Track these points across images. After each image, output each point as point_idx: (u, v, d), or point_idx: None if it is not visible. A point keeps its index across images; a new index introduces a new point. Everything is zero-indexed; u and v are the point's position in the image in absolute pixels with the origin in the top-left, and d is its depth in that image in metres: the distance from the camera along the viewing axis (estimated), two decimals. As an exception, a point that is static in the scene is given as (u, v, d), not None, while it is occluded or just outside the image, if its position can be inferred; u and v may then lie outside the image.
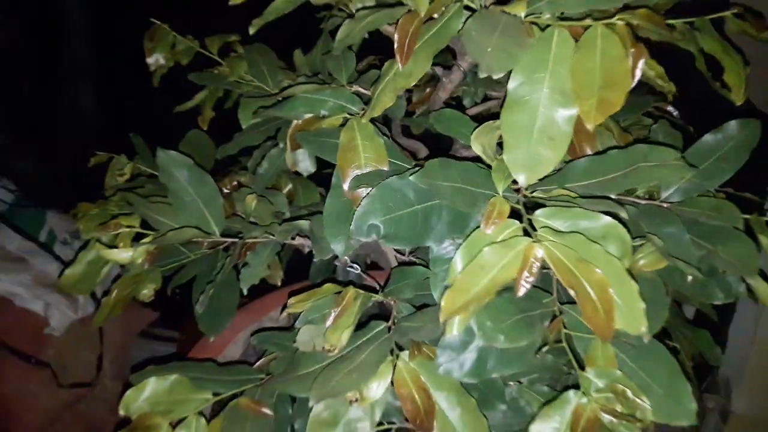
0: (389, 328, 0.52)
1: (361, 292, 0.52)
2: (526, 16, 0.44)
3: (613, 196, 0.47)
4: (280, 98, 0.59)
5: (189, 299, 0.62)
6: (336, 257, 0.55)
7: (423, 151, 0.68)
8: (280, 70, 0.70)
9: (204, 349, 0.72)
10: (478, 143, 0.47)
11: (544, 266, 0.39)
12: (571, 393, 0.42)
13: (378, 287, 0.56)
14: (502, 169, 0.45)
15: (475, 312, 0.43)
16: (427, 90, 0.71)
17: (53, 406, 1.36)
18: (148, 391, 0.54)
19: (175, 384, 0.55)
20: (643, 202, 0.52)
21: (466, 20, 0.43)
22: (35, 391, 1.32)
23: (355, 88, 0.58)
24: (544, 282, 0.48)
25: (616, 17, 0.42)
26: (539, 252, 0.39)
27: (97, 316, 0.64)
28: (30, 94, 1.29)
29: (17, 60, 1.24)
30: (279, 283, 0.66)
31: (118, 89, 1.09)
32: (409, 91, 0.70)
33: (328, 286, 0.53)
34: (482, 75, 0.39)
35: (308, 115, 0.56)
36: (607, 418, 0.39)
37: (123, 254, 0.53)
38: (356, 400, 0.47)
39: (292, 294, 0.55)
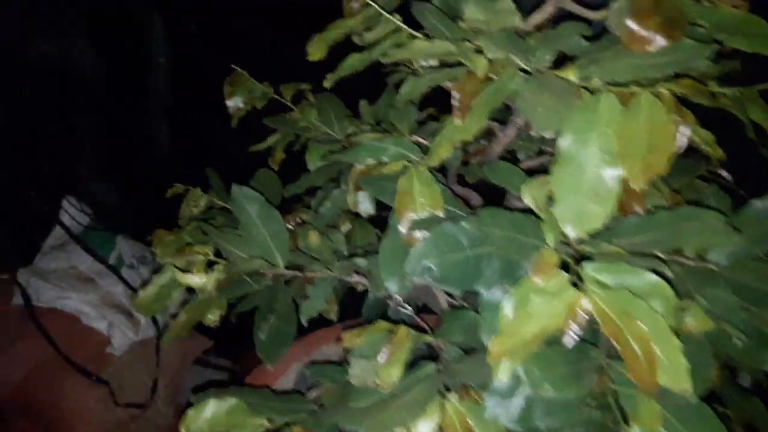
0: (438, 370, 0.54)
1: (413, 332, 0.55)
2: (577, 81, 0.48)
3: (660, 255, 0.49)
4: (346, 145, 0.64)
5: (244, 330, 0.66)
6: (389, 297, 0.58)
7: (476, 199, 0.71)
8: (347, 118, 0.75)
9: (259, 377, 0.77)
10: (529, 195, 0.50)
11: (591, 320, 0.42)
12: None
13: (428, 329, 0.59)
14: (552, 221, 0.48)
15: (523, 359, 0.45)
16: (483, 143, 0.75)
17: (108, 423, 1.42)
18: (208, 413, 0.58)
19: (234, 408, 0.59)
20: (691, 263, 0.54)
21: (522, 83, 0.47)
22: (92, 407, 1.39)
23: (415, 138, 0.62)
24: (594, 337, 0.50)
25: (661, 86, 0.45)
26: (585, 303, 0.41)
27: (166, 336, 0.69)
28: (112, 124, 1.40)
29: (102, 90, 1.35)
30: (334, 318, 0.70)
31: (196, 127, 1.18)
32: (465, 143, 0.74)
33: (381, 323, 0.56)
34: (534, 133, 0.43)
35: (371, 161, 0.61)
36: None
37: (197, 279, 0.59)
38: (404, 436, 0.49)
39: (344, 330, 0.59)
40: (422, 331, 0.58)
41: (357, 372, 0.56)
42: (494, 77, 0.50)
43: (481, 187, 0.76)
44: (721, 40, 0.51)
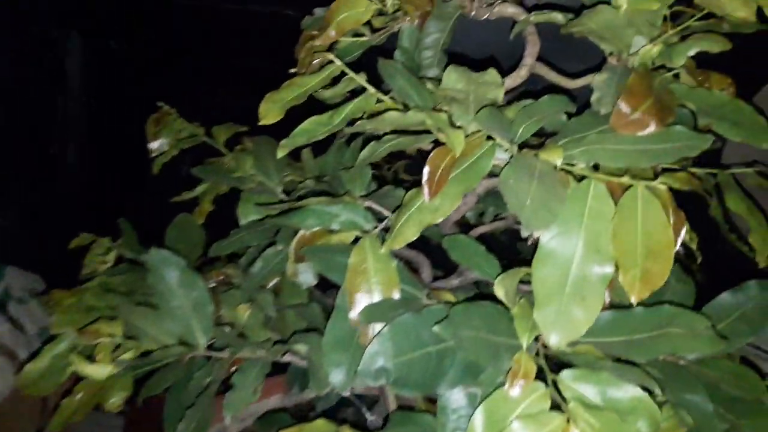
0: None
1: (357, 433, 0.48)
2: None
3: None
4: (287, 204, 0.56)
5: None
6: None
7: (425, 265, 0.65)
8: (287, 166, 0.67)
9: None
10: (502, 288, 0.44)
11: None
12: None
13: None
14: (526, 317, 0.43)
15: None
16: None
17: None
18: None
19: None
20: (661, 357, 0.50)
21: (504, 167, 0.41)
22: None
23: (369, 203, 0.55)
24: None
25: (659, 180, 0.40)
26: (573, 432, 0.36)
27: (55, 419, 0.57)
28: (7, 147, 1.24)
29: (9, 117, 1.20)
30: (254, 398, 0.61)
31: (113, 158, 1.05)
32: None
33: (320, 423, 0.48)
34: (525, 233, 0.37)
35: (317, 228, 0.53)
36: None
37: (102, 370, 0.48)
38: None
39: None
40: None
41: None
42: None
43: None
44: (707, 125, 0.48)
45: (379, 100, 0.45)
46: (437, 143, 0.46)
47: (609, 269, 0.39)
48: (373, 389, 0.65)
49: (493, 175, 0.45)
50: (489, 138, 0.44)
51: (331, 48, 0.51)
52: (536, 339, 0.44)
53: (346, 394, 0.53)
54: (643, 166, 0.44)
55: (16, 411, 1.29)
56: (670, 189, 0.42)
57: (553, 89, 0.51)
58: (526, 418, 0.37)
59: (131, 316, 0.52)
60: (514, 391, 0.39)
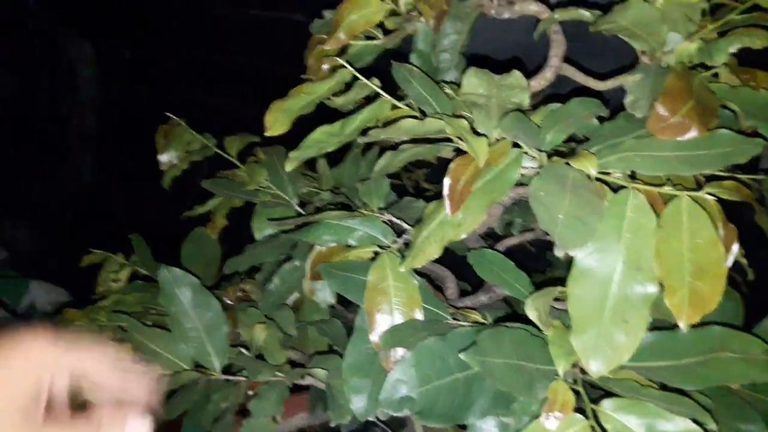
0: None
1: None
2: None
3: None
4: (303, 218, 0.53)
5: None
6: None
7: (450, 280, 0.62)
8: (302, 177, 0.65)
9: None
10: (534, 309, 0.41)
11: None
12: None
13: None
14: (562, 341, 0.39)
15: None
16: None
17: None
18: None
19: None
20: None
21: (533, 177, 0.38)
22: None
23: (387, 216, 0.52)
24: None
25: (705, 190, 0.37)
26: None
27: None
28: (32, 165, 1.23)
29: (23, 129, 1.19)
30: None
31: (128, 173, 1.03)
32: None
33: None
34: (558, 252, 0.33)
35: (333, 243, 0.51)
36: None
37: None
38: None
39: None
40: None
41: None
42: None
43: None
44: (752, 127, 0.44)
45: (394, 107, 0.42)
46: (459, 152, 0.43)
47: (653, 289, 0.36)
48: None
49: (520, 183, 0.42)
50: (515, 146, 0.41)
51: (342, 52, 0.49)
52: (574, 364, 0.41)
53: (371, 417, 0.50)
54: (685, 175, 0.40)
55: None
56: (718, 199, 0.39)
57: (582, 92, 0.47)
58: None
59: (143, 338, 0.49)
60: (551, 423, 0.36)
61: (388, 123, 0.41)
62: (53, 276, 1.34)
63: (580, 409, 0.37)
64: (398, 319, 0.46)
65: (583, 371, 0.39)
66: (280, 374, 0.50)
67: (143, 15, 1.04)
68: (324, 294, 0.55)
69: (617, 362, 0.36)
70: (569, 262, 0.37)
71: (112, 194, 1.17)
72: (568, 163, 0.40)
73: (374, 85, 0.42)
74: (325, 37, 0.46)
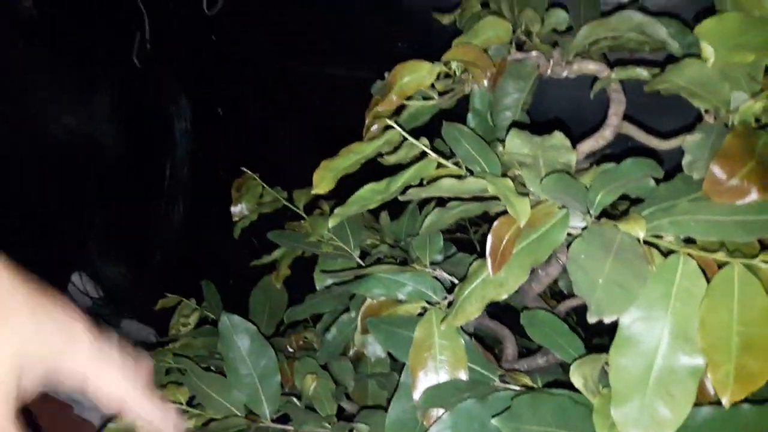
0: None
1: None
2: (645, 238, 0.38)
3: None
4: (358, 270, 0.55)
5: None
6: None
7: (509, 339, 0.61)
8: (365, 230, 0.66)
9: None
10: (580, 375, 0.40)
11: None
12: None
13: None
14: (607, 413, 0.37)
15: None
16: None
17: None
18: None
19: None
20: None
21: (574, 237, 0.37)
22: (75, 505, 1.27)
23: (438, 272, 0.52)
24: None
25: (760, 257, 0.34)
26: None
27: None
28: (127, 205, 1.34)
29: (121, 171, 1.31)
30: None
31: (211, 224, 1.11)
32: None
33: None
34: (591, 319, 0.32)
35: (383, 297, 0.51)
36: None
37: (160, 438, 0.48)
38: None
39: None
40: None
41: None
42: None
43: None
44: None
45: (440, 165, 0.43)
46: (505, 211, 0.43)
47: (701, 361, 0.34)
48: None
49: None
50: (563, 206, 0.40)
51: (398, 112, 0.50)
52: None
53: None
54: (742, 241, 0.38)
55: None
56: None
57: (643, 151, 0.46)
58: None
59: (199, 382, 0.52)
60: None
61: (431, 181, 0.42)
62: (143, 315, 1.43)
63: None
64: (442, 377, 0.45)
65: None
66: (327, 425, 0.51)
67: (234, 73, 1.13)
68: (375, 348, 0.55)
69: (661, 438, 0.34)
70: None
71: (198, 242, 1.25)
72: (616, 226, 0.39)
73: (422, 144, 0.43)
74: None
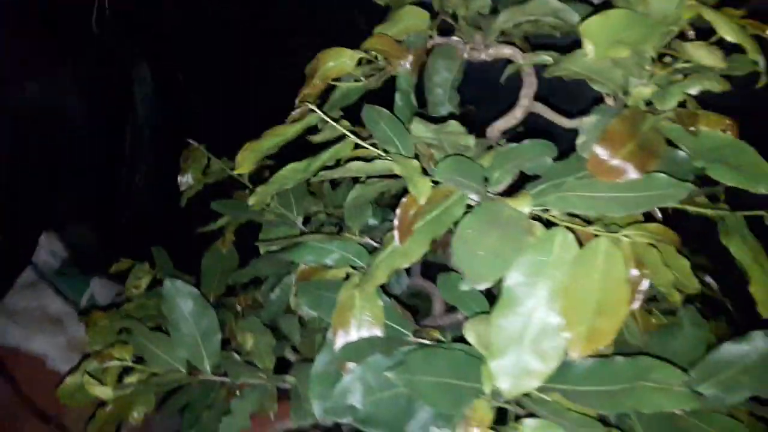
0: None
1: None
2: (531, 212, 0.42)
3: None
4: (295, 239, 0.59)
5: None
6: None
7: (437, 297, 0.66)
8: (308, 198, 0.70)
9: None
10: (473, 332, 0.45)
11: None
12: None
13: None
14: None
15: None
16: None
17: (64, 471, 1.36)
18: None
19: None
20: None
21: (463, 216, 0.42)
22: (49, 455, 1.33)
23: (365, 239, 0.57)
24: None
25: (623, 232, 0.39)
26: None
27: (91, 426, 0.63)
28: (93, 167, 1.37)
29: (85, 132, 1.33)
30: (272, 418, 0.64)
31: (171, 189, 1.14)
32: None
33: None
34: (464, 287, 0.37)
35: (314, 263, 0.56)
36: None
37: (105, 391, 0.53)
38: None
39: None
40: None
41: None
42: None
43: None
44: (701, 168, 0.46)
45: (358, 146, 0.47)
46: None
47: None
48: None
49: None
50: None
51: (327, 93, 0.54)
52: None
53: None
54: (618, 215, 0.42)
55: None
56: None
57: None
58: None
59: (144, 340, 0.56)
60: (467, 436, 0.40)
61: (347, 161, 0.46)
62: (111, 275, 1.46)
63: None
64: (364, 334, 0.50)
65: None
66: (262, 376, 0.56)
67: (194, 40, 1.14)
68: (308, 309, 0.60)
69: (530, 387, 0.39)
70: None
71: (159, 206, 1.28)
72: (505, 202, 0.43)
73: (340, 127, 0.47)
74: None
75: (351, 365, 0.48)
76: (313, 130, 0.54)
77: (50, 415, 1.34)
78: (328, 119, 0.47)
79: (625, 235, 0.39)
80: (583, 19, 0.44)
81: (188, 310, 0.58)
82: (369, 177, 0.48)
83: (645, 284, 0.39)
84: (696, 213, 0.52)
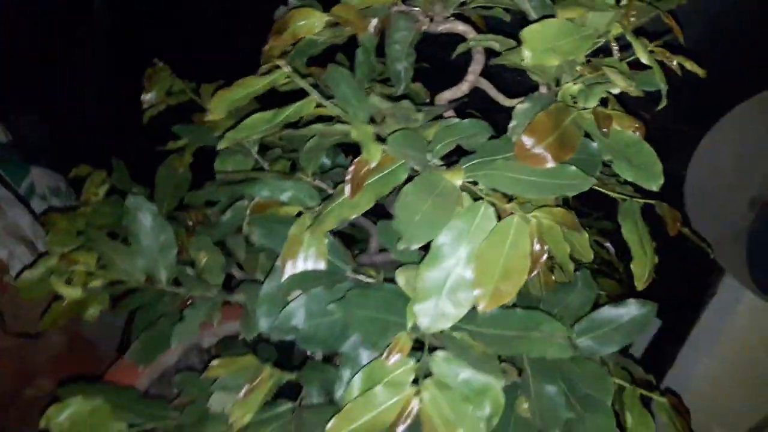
0: (293, 410, 0.58)
1: (277, 371, 0.59)
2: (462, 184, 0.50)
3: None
4: (252, 173, 0.65)
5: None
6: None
7: (374, 235, 0.74)
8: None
9: (120, 374, 0.79)
10: (403, 277, 0.53)
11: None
12: None
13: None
14: (414, 307, 0.52)
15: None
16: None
17: (-5, 348, 1.41)
18: (71, 411, 0.60)
19: (97, 408, 0.61)
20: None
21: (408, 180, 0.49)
22: (-19, 332, 1.37)
23: (317, 182, 0.63)
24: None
25: (533, 213, 0.48)
26: (415, 405, 0.45)
27: (45, 318, 0.69)
28: (44, 51, 1.33)
29: (36, 15, 1.28)
30: (214, 325, 0.72)
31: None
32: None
33: (249, 358, 0.59)
34: (401, 246, 0.45)
35: (269, 198, 0.62)
36: None
37: (74, 292, 0.59)
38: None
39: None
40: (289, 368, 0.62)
41: (217, 400, 0.59)
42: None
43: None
44: (608, 161, 0.55)
45: (319, 105, 0.53)
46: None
47: (479, 282, 0.48)
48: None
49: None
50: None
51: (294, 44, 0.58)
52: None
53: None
54: (533, 197, 0.51)
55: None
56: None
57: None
58: (388, 384, 0.47)
59: (106, 249, 0.62)
60: (389, 361, 0.49)
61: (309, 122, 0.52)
62: (53, 164, 1.46)
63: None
64: (309, 266, 0.58)
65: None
66: (213, 291, 0.63)
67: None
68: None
69: (443, 326, 0.48)
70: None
71: (112, 111, 1.28)
72: (441, 174, 0.51)
73: (304, 84, 0.52)
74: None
75: (295, 293, 0.56)
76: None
77: (-17, 294, 1.37)
78: (296, 77, 0.52)
79: (534, 216, 0.48)
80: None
81: (148, 224, 0.64)
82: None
83: (544, 257, 0.48)
84: (604, 193, 0.62)
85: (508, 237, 0.47)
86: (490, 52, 0.61)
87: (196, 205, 0.82)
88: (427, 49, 0.63)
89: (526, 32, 0.48)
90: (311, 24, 0.55)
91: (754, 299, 1.07)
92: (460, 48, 0.60)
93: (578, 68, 0.54)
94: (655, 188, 0.53)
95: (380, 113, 0.55)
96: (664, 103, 0.53)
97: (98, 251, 0.62)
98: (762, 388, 1.16)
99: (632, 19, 0.59)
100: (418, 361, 0.50)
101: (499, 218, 0.49)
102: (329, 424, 0.47)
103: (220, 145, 0.52)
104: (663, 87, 0.51)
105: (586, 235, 0.60)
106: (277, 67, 0.51)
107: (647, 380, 0.68)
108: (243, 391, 0.57)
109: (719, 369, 1.16)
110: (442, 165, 0.53)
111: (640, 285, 0.57)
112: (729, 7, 0.94)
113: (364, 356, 0.54)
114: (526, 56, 0.48)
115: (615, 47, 0.54)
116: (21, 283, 0.68)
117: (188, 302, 0.65)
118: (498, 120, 0.58)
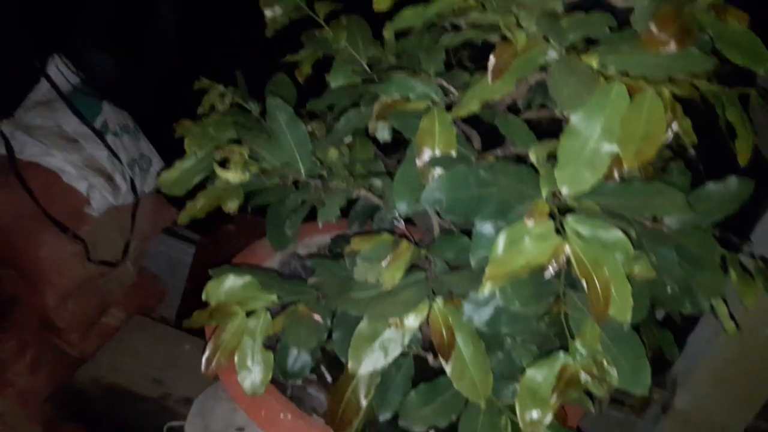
0: (427, 278, 0.65)
1: (413, 245, 0.66)
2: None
3: (627, 216, 0.60)
4: (368, 70, 0.71)
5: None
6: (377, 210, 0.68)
7: (476, 138, 0.80)
8: (372, 44, 0.81)
9: (248, 258, 0.87)
10: (535, 154, 0.60)
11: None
12: (561, 353, 0.56)
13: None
14: (549, 178, 0.58)
15: (506, 282, 0.56)
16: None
17: (79, 275, 1.50)
18: (228, 285, 0.68)
19: (248, 283, 0.69)
20: (649, 224, 0.66)
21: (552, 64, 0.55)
22: (67, 260, 1.46)
23: (440, 81, 0.70)
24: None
25: (664, 87, 0.54)
26: (567, 249, 0.53)
27: (182, 215, 0.77)
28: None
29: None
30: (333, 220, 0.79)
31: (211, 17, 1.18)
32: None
33: (386, 235, 0.66)
34: (558, 113, 0.52)
35: (397, 96, 0.68)
36: (584, 376, 0.54)
37: (234, 176, 0.66)
38: (396, 326, 0.61)
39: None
40: (415, 244, 0.69)
41: (361, 270, 0.66)
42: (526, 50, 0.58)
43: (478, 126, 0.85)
44: (719, 50, 0.61)
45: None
46: (504, 38, 0.60)
47: (615, 148, 0.54)
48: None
49: (544, 69, 0.59)
50: (545, 39, 0.58)
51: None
52: (557, 197, 0.60)
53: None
54: (659, 76, 0.57)
55: (110, 225, 1.53)
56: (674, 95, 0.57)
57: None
58: (535, 236, 0.54)
59: (254, 144, 0.69)
60: (530, 222, 0.56)
61: (457, 12, 0.58)
62: (122, 101, 1.53)
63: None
64: (438, 153, 0.65)
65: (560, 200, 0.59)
66: (346, 183, 0.70)
67: None
68: (383, 132, 0.73)
69: (581, 190, 0.55)
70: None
71: (205, 38, 1.33)
72: (579, 57, 0.57)
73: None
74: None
75: (433, 172, 0.63)
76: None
77: (67, 226, 1.46)
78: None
79: (666, 88, 0.54)
80: None
81: (285, 122, 0.70)
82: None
83: (674, 125, 0.54)
84: (706, 89, 0.68)
85: (644, 107, 0.54)
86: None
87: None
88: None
89: None
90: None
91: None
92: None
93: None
94: (762, 72, 0.59)
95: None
96: None
97: (247, 145, 0.69)
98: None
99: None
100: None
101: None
102: (487, 271, 0.54)
103: (386, 33, 0.59)
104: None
105: (690, 122, 0.66)
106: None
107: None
108: (386, 260, 0.64)
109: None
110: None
111: (743, 161, 0.64)
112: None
113: (491, 228, 0.61)
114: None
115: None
116: (162, 181, 0.75)
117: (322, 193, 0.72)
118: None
